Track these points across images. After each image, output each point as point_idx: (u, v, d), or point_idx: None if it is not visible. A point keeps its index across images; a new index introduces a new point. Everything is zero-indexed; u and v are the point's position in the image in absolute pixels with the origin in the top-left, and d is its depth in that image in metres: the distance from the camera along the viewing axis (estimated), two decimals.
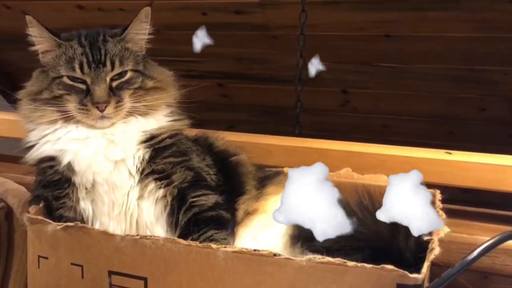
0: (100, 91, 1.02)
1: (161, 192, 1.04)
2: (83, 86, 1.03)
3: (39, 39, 1.06)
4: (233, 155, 1.17)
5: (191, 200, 1.04)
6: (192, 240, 0.95)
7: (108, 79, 1.04)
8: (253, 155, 1.21)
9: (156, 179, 1.04)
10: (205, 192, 1.05)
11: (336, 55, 2.17)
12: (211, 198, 1.05)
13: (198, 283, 0.89)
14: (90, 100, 1.02)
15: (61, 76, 1.04)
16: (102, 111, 1.02)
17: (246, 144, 1.27)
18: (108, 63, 1.04)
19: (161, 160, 1.05)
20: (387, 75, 2.14)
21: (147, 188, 1.04)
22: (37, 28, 1.05)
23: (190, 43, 2.26)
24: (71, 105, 1.03)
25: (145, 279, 0.93)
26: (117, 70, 1.05)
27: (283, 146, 1.39)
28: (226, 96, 2.51)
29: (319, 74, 2.22)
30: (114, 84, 1.05)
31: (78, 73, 1.03)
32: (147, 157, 1.04)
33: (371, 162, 1.25)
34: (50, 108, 1.04)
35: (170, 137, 1.08)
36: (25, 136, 1.08)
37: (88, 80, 1.03)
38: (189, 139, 1.13)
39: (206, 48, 2.34)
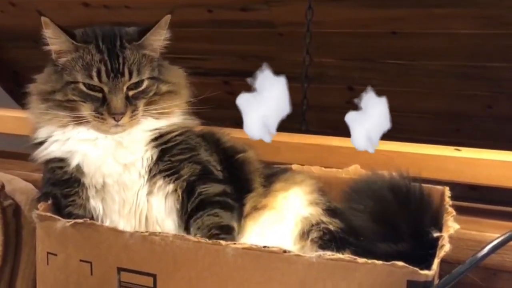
0: (117, 101, 1.00)
1: (171, 186, 1.04)
2: (99, 95, 1.01)
3: (55, 41, 1.03)
4: (240, 152, 1.17)
5: (199, 190, 1.04)
6: (196, 219, 0.97)
7: (125, 88, 1.02)
8: (260, 152, 1.20)
9: (165, 176, 1.04)
10: (213, 184, 1.06)
11: (342, 52, 2.17)
12: (218, 187, 1.06)
13: (207, 279, 0.90)
14: (107, 109, 1.00)
15: (77, 82, 1.02)
16: (117, 121, 1.01)
17: (254, 141, 1.27)
18: (126, 73, 1.02)
19: (169, 158, 1.04)
20: (393, 72, 2.13)
21: (156, 184, 1.04)
22: (54, 30, 1.02)
23: (196, 40, 2.27)
24: (86, 112, 1.01)
25: (154, 276, 0.93)
26: (135, 79, 1.03)
27: (291, 143, 1.39)
28: (232, 94, 2.50)
29: (325, 71, 2.22)
30: (131, 93, 1.03)
31: (95, 81, 1.01)
32: (155, 156, 1.04)
33: (380, 159, 1.24)
34: (63, 112, 1.02)
35: (179, 134, 1.07)
36: (33, 131, 1.07)
37: (105, 89, 1.01)
38: (197, 135, 1.13)
39: (212, 45, 2.35)
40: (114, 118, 1.00)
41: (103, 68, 1.01)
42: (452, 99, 2.14)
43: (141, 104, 1.04)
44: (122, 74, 1.01)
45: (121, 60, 1.02)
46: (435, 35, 1.94)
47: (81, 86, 1.01)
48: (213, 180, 1.07)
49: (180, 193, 1.04)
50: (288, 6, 2.04)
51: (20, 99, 1.13)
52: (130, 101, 1.02)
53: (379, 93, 2.16)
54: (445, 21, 1.89)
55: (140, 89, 1.04)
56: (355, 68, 2.19)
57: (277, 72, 2.39)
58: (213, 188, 1.05)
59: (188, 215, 1.03)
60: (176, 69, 1.13)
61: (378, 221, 1.00)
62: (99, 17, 2.35)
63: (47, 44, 1.05)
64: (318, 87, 2.00)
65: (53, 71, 1.05)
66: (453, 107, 2.16)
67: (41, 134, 1.06)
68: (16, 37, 2.66)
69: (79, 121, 1.02)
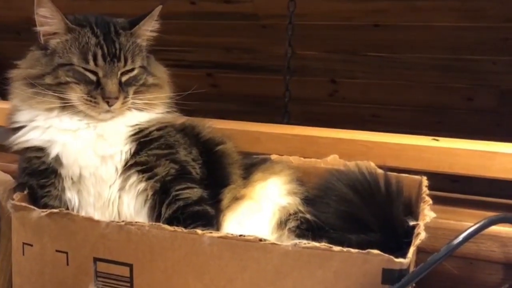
0: (112, 86, 1.00)
1: (142, 185, 1.02)
2: (93, 77, 1.01)
3: (48, 21, 1.02)
4: (219, 144, 1.16)
5: (175, 193, 1.02)
6: None
7: (119, 73, 1.03)
8: (241, 143, 1.20)
9: (138, 171, 1.02)
10: (189, 185, 1.04)
11: (325, 45, 2.16)
12: (196, 192, 1.03)
13: (184, 269, 0.89)
14: (101, 93, 1.00)
15: (71, 64, 1.01)
16: (111, 105, 1.01)
17: (235, 132, 1.27)
18: (122, 58, 1.02)
19: (146, 151, 1.03)
20: (375, 65, 2.14)
21: (129, 180, 1.02)
22: (49, 8, 1.00)
23: (178, 32, 2.26)
24: (77, 94, 1.00)
25: (130, 266, 0.92)
26: (129, 66, 1.04)
27: (271, 134, 1.39)
28: (215, 86, 2.50)
29: (307, 63, 2.22)
30: (124, 79, 1.04)
31: (91, 65, 1.01)
32: (133, 149, 1.03)
33: (358, 149, 1.25)
34: (52, 94, 1.00)
35: (158, 129, 1.07)
36: (12, 115, 1.05)
37: (100, 73, 1.01)
38: (177, 131, 1.12)
39: (195, 37, 2.34)
40: (107, 103, 1.00)
41: (99, 52, 1.01)
42: (433, 92, 2.14)
43: (131, 91, 1.04)
44: (118, 59, 1.02)
45: (117, 46, 1.03)
46: (416, 27, 1.94)
47: (76, 67, 1.01)
48: (190, 180, 1.05)
49: (150, 194, 1.02)
50: None
51: (1, 90, 1.11)
52: (122, 87, 1.02)
53: (361, 86, 2.19)
54: (427, 14, 1.89)
55: (132, 75, 1.05)
56: (338, 60, 2.19)
57: (260, 64, 2.40)
58: (191, 193, 1.03)
59: (165, 220, 1.00)
60: (160, 65, 1.14)
61: (343, 218, 1.01)
62: (81, 8, 2.32)
63: (38, 26, 1.03)
64: (300, 79, 2.00)
65: (41, 54, 1.04)
66: (434, 99, 2.17)
67: (22, 117, 1.04)
68: None
69: (67, 104, 1.01)
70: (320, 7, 2.01)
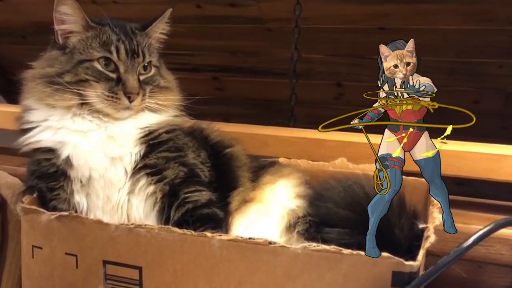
0: (133, 81, 1.03)
1: (151, 188, 1.02)
2: (113, 75, 1.03)
3: (69, 18, 1.03)
4: (227, 146, 1.16)
5: (184, 196, 1.02)
6: None
7: (138, 70, 1.05)
8: (248, 146, 1.20)
9: (148, 174, 1.02)
10: (198, 188, 1.04)
11: (330, 48, 2.16)
12: (205, 195, 1.04)
13: (193, 271, 0.89)
14: (122, 89, 1.02)
15: (92, 60, 1.02)
16: (131, 101, 1.02)
17: (242, 135, 1.27)
18: (140, 54, 1.05)
19: (156, 154, 1.04)
20: None
21: (138, 183, 1.02)
22: (71, 6, 1.02)
23: (184, 36, 2.26)
24: (97, 92, 1.01)
25: (140, 268, 0.93)
26: (147, 60, 1.07)
27: (279, 137, 1.39)
28: (220, 90, 2.50)
29: (313, 67, 2.22)
30: (141, 77, 1.06)
31: (114, 57, 1.03)
32: (143, 152, 1.03)
33: (366, 152, 1.24)
34: (71, 91, 1.01)
35: (167, 132, 1.07)
36: (24, 115, 1.05)
37: (122, 69, 1.03)
38: (185, 133, 1.12)
39: (200, 41, 2.34)
40: (129, 98, 1.02)
41: (122, 46, 1.03)
42: (439, 95, 2.14)
43: (148, 90, 1.06)
44: (138, 55, 1.05)
45: (135, 42, 1.05)
46: (422, 31, 1.94)
47: (96, 64, 1.02)
48: (199, 183, 1.05)
49: (159, 197, 1.02)
50: (277, 2, 2.04)
51: (6, 94, 1.12)
52: (141, 85, 1.04)
53: (366, 89, 2.16)
54: (432, 17, 1.89)
55: (149, 74, 1.07)
56: (343, 64, 2.19)
57: (265, 67, 2.40)
58: (199, 196, 1.03)
59: (174, 223, 1.00)
60: (168, 70, 1.16)
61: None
62: (86, 12, 2.33)
63: (56, 24, 1.04)
64: (306, 83, 2.00)
65: (59, 53, 1.05)
66: (440, 102, 2.16)
67: (35, 117, 1.04)
68: (3, 32, 2.63)
69: (85, 102, 1.01)
70: (325, 10, 2.01)
